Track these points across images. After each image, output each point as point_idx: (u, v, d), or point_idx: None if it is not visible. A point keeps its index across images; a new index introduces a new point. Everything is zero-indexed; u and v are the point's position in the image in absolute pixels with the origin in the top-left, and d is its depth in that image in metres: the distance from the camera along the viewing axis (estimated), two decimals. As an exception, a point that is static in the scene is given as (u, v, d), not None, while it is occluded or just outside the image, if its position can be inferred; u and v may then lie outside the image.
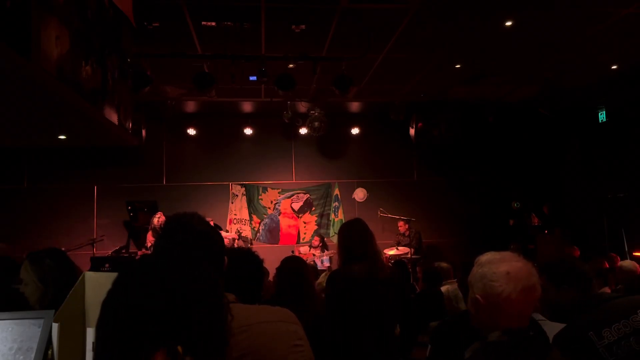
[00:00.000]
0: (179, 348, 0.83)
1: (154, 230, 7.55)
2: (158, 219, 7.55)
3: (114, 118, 4.86)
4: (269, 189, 9.81)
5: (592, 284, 2.20)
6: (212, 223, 8.30)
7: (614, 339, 1.94)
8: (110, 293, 0.90)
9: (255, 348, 1.24)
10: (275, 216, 9.80)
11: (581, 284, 2.17)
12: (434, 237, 9.81)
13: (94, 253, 7.97)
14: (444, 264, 5.24)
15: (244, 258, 2.13)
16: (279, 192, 9.83)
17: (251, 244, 9.09)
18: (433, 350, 2.63)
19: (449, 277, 5.13)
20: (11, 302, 2.43)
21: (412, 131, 9.26)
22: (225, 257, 1.41)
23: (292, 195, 9.87)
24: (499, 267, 1.51)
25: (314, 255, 8.69)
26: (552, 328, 2.66)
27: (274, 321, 1.32)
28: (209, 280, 0.92)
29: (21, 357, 1.48)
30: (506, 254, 1.55)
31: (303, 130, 9.17)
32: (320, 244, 8.89)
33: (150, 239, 7.58)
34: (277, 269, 3.29)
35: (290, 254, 5.73)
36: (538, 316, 2.66)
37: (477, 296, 1.52)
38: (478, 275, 1.54)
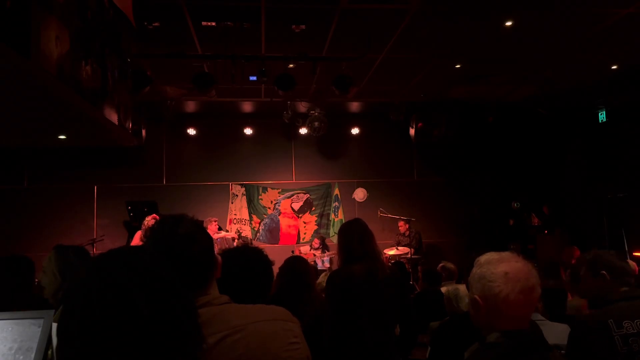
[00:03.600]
0: None
1: (145, 231, 7.54)
2: (148, 221, 7.54)
3: (114, 118, 4.86)
4: (269, 189, 9.81)
5: (628, 277, 2.21)
6: (216, 224, 8.31)
7: (633, 332, 1.94)
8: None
9: (251, 347, 1.23)
10: (275, 216, 9.80)
11: (618, 275, 2.19)
12: (434, 237, 9.81)
13: (94, 253, 7.96)
14: (450, 265, 5.23)
15: (255, 257, 2.09)
16: (279, 192, 9.83)
17: (251, 244, 9.09)
18: (433, 351, 2.63)
19: (452, 278, 5.12)
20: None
21: (412, 131, 9.27)
22: (219, 257, 1.41)
23: (292, 195, 9.87)
24: (498, 267, 1.49)
25: (314, 255, 8.70)
26: (551, 328, 2.67)
27: (269, 320, 1.30)
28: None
29: (21, 357, 1.48)
30: (505, 255, 1.54)
31: (303, 130, 9.17)
32: (321, 246, 8.90)
33: (136, 239, 7.55)
34: (280, 268, 3.30)
35: (290, 254, 5.74)
36: (537, 316, 2.66)
37: (476, 297, 1.51)
38: (477, 275, 1.53)
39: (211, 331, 1.20)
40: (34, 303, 2.40)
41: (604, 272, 2.23)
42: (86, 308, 0.83)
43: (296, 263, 3.28)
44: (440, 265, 5.35)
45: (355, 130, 9.80)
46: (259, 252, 2.12)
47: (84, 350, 0.81)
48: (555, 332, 2.61)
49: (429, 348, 2.63)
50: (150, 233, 1.36)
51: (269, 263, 2.12)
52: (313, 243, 9.03)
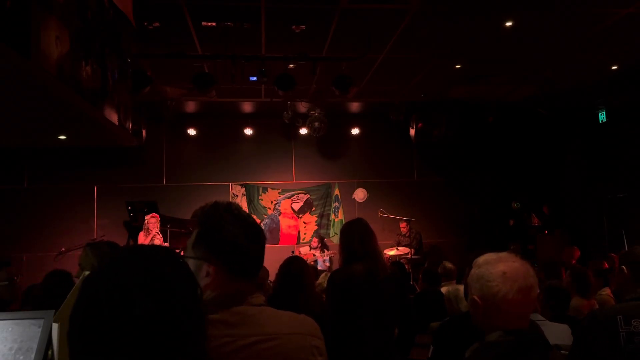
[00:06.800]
0: None
1: (146, 230, 7.56)
2: (149, 219, 7.55)
3: (114, 118, 4.86)
4: (269, 189, 9.81)
5: None
6: None
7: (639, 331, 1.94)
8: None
9: (277, 359, 1.24)
10: (276, 216, 9.80)
11: (637, 271, 2.18)
12: (434, 237, 9.80)
13: (94, 253, 7.95)
14: (448, 265, 5.23)
15: None
16: (279, 193, 9.83)
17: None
18: (435, 351, 2.63)
19: (451, 278, 5.11)
20: None
21: (412, 131, 9.26)
22: None
23: (292, 195, 9.87)
24: (496, 267, 1.51)
25: (314, 255, 8.70)
26: (552, 329, 2.67)
27: (300, 334, 1.30)
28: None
29: (21, 357, 1.48)
30: (503, 255, 1.55)
31: (303, 131, 9.17)
32: (320, 245, 8.89)
33: (141, 240, 7.56)
34: (278, 269, 3.30)
35: (290, 254, 5.75)
36: (537, 317, 2.66)
37: (475, 297, 1.52)
38: (475, 276, 1.54)
39: (244, 332, 1.21)
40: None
41: (623, 266, 2.23)
42: (87, 308, 0.84)
43: (292, 265, 3.28)
44: (440, 265, 5.34)
45: (355, 131, 9.79)
46: None
47: (86, 349, 0.82)
48: (556, 332, 2.61)
49: (432, 348, 2.63)
50: (212, 215, 1.31)
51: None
52: (312, 242, 9.03)
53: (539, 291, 1.53)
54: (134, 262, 0.90)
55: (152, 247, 0.96)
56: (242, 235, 1.28)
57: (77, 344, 0.84)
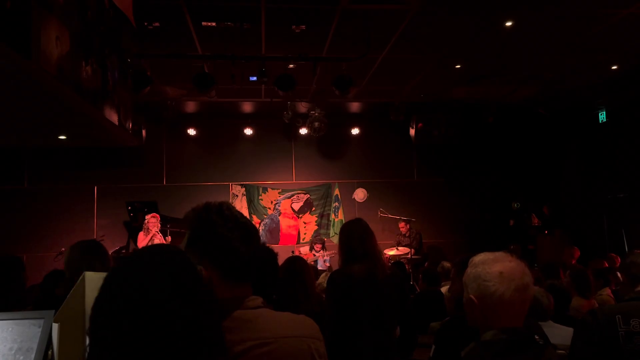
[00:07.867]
0: None
1: (146, 230, 7.57)
2: (149, 219, 7.58)
3: (114, 118, 4.87)
4: (269, 189, 9.81)
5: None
6: None
7: (638, 331, 1.94)
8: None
9: None
10: (276, 216, 9.80)
11: (632, 275, 2.19)
12: (434, 237, 9.81)
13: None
14: (448, 265, 5.23)
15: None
16: (279, 193, 9.83)
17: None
18: (437, 350, 2.63)
19: (450, 277, 5.11)
20: None
21: (412, 131, 9.27)
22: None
23: (292, 195, 9.87)
24: (493, 267, 1.52)
25: (314, 255, 8.69)
26: (558, 331, 2.67)
27: (298, 337, 1.28)
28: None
29: (21, 357, 1.48)
30: (499, 254, 1.57)
31: (303, 131, 9.17)
32: (322, 248, 8.86)
33: (141, 239, 7.57)
34: (279, 269, 3.29)
35: (290, 254, 5.75)
36: (550, 324, 2.68)
37: (472, 297, 1.53)
38: (472, 275, 1.55)
39: (241, 337, 1.19)
40: (23, 303, 2.42)
41: (618, 272, 2.26)
42: (97, 316, 0.88)
43: (292, 264, 3.28)
44: (440, 265, 5.35)
45: (355, 131, 9.80)
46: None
47: (104, 346, 0.86)
48: (562, 335, 2.62)
49: (434, 347, 2.63)
50: (203, 217, 1.27)
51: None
52: (315, 247, 8.97)
53: (534, 290, 1.54)
54: (130, 273, 0.92)
55: (143, 256, 0.97)
56: (236, 238, 1.25)
57: (97, 341, 0.87)
